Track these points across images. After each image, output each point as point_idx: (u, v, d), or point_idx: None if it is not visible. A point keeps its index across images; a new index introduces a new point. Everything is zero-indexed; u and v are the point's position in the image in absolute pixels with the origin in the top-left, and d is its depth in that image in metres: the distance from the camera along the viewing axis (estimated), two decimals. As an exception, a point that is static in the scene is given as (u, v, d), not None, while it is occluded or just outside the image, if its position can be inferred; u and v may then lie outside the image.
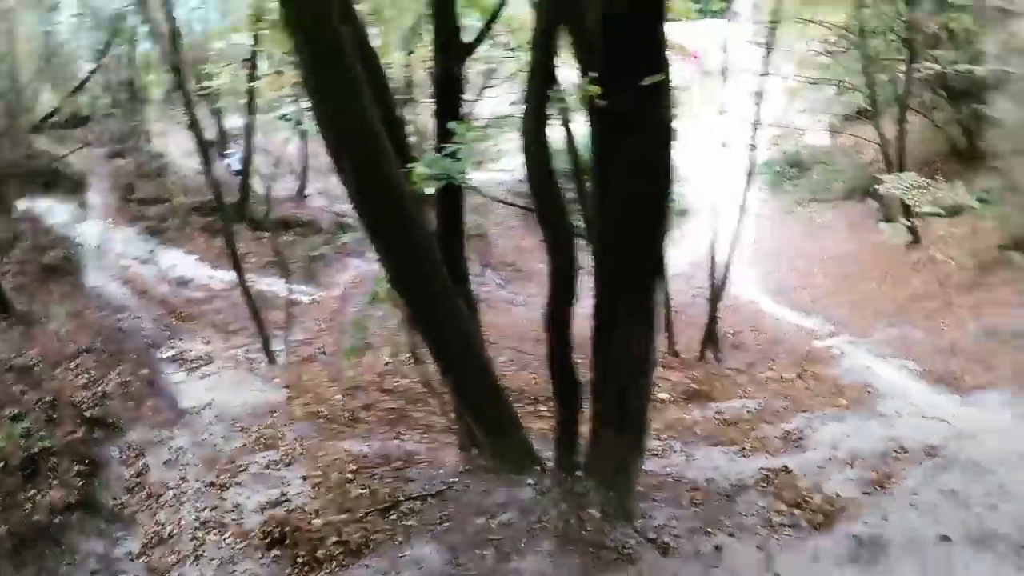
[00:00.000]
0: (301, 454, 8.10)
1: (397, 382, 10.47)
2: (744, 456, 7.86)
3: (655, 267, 5.45)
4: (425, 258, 5.50)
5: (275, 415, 9.35)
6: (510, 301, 17.42)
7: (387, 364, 10.93)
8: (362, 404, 9.87)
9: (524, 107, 5.26)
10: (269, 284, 14.42)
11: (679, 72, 20.21)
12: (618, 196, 5.11)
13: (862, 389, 10.14)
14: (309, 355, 12.22)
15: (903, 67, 17.27)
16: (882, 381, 10.39)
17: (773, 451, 8.02)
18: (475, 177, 10.15)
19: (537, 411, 9.51)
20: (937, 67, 16.08)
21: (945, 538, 5.91)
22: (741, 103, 13.22)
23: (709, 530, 5.79)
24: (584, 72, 4.72)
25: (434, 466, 7.32)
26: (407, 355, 8.97)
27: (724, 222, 12.39)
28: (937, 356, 11.12)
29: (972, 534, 5.95)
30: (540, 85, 5.10)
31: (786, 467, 7.28)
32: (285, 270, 13.34)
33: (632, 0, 4.54)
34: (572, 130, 9.45)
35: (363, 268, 15.55)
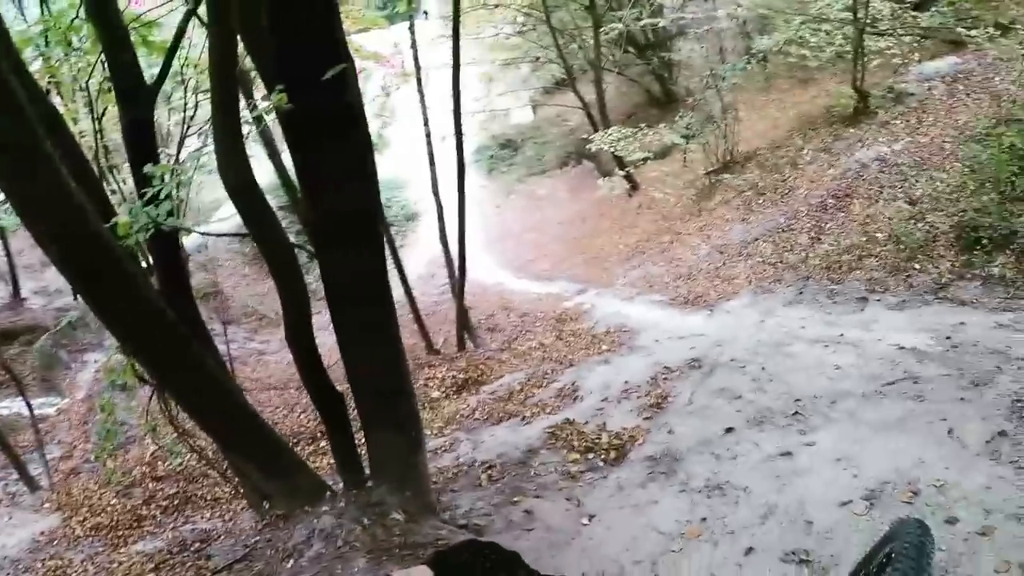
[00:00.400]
0: (95, 574, 7.37)
1: (169, 464, 9.44)
2: (527, 424, 7.83)
3: (376, 262, 5.07)
4: (157, 314, 4.70)
5: (56, 543, 8.46)
6: (262, 352, 16.41)
7: (154, 449, 9.81)
8: (141, 500, 9.02)
9: (214, 133, 4.69)
10: (6, 407, 13.02)
11: (380, 78, 20.61)
12: (326, 194, 4.71)
13: (618, 331, 10.44)
14: (72, 468, 11.34)
15: (591, 32, 18.12)
16: (634, 319, 10.79)
17: (553, 410, 8.08)
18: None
19: (318, 448, 9.21)
20: (621, 26, 17.09)
21: (729, 430, 6.11)
22: (444, 98, 13.17)
23: (515, 499, 5.76)
24: (270, 87, 4.41)
25: (232, 535, 6.92)
26: (170, 432, 7.99)
27: (450, 216, 12.28)
28: (679, 283, 11.81)
29: (751, 418, 6.21)
30: (226, 108, 4.53)
31: (568, 419, 7.38)
32: (19, 386, 11.81)
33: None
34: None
35: (104, 360, 13.61)
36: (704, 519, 4.93)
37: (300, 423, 10.44)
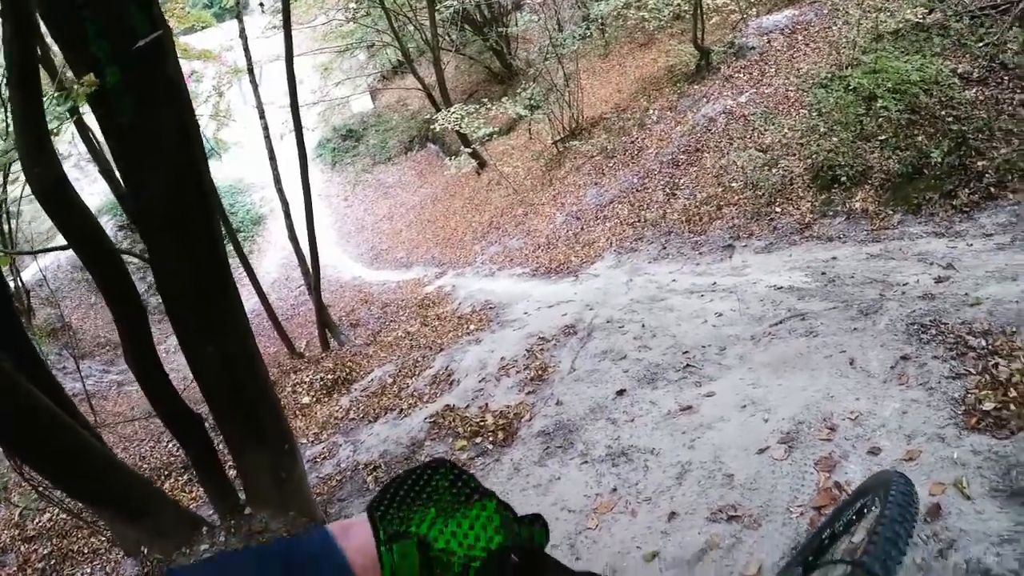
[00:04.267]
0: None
1: (39, 521, 8.31)
2: (406, 416, 7.36)
3: (212, 248, 4.43)
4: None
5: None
6: (121, 383, 14.84)
7: (20, 509, 8.52)
8: (16, 566, 8.00)
9: (15, 126, 3.84)
10: None
11: (212, 77, 19.09)
12: (148, 174, 4.10)
13: (485, 309, 9.92)
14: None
15: (426, 13, 17.42)
16: (500, 294, 10.32)
17: (430, 398, 7.60)
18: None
19: (193, 476, 8.34)
20: (456, 4, 16.49)
21: (621, 392, 5.68)
22: (281, 94, 12.20)
23: None
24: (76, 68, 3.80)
25: (114, 586, 6.25)
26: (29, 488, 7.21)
27: (299, 213, 11.36)
28: (539, 253, 11.44)
29: (641, 377, 5.80)
30: (26, 96, 3.68)
31: (449, 406, 6.96)
32: None
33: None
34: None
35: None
36: (615, 490, 4.53)
37: (170, 452, 9.44)
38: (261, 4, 16.96)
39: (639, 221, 10.12)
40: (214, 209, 4.50)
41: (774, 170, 8.71)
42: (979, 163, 6.68)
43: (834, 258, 6.73)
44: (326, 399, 9.30)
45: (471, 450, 6.01)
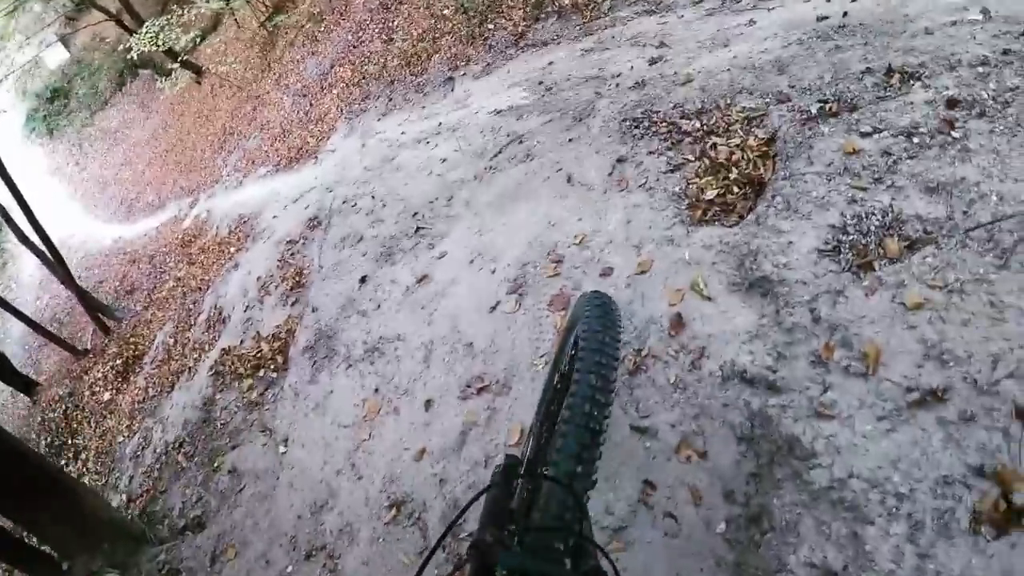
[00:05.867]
0: None
1: None
2: (194, 375, 6.73)
3: None
4: None
5: None
6: None
7: None
8: None
9: None
10: None
11: None
12: None
13: (240, 226, 8.95)
14: None
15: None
16: (251, 205, 9.32)
17: (209, 345, 6.95)
18: None
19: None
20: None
21: (363, 279, 5.13)
22: None
23: (216, 464, 5.20)
24: None
25: None
26: None
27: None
28: (278, 145, 10.35)
29: (379, 256, 5.24)
30: None
31: (224, 349, 6.38)
32: None
33: None
34: None
35: None
36: (376, 390, 4.16)
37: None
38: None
39: (363, 78, 9.21)
40: None
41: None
42: None
43: (551, 63, 6.20)
44: (124, 386, 8.36)
45: (258, 385, 5.50)
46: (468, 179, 5.18)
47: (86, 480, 7.48)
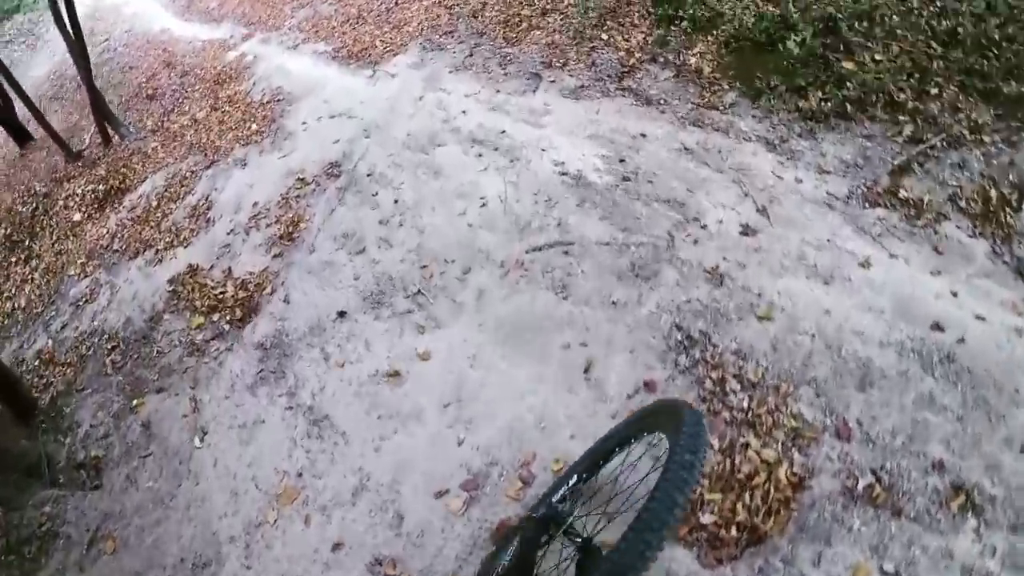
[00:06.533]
0: None
1: None
2: (158, 264, 6.33)
3: None
4: None
5: None
6: None
7: None
8: None
9: None
10: None
11: None
12: None
13: (274, 100, 8.22)
14: None
15: None
16: (294, 79, 8.52)
17: (185, 240, 6.47)
18: None
19: None
20: None
21: (342, 314, 4.66)
22: None
23: (136, 402, 4.91)
24: None
25: None
26: None
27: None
28: (346, 28, 9.34)
29: (368, 295, 4.74)
30: None
31: (192, 266, 5.98)
32: None
33: None
34: None
35: None
36: (300, 474, 3.80)
37: None
38: None
39: (456, 6, 8.24)
40: None
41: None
42: (845, 64, 5.16)
43: (643, 135, 5.39)
44: (97, 215, 7.88)
45: (207, 329, 5.18)
46: (495, 258, 4.56)
47: (25, 292, 7.26)
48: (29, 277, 7.47)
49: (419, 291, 4.50)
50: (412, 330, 4.28)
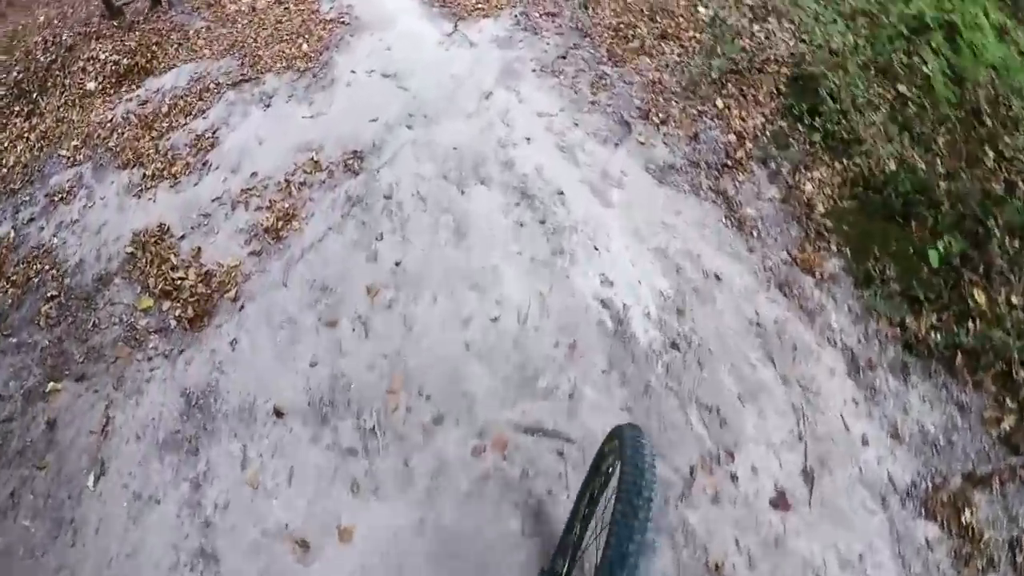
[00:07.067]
0: None
1: None
2: (138, 194, 5.46)
3: None
4: None
5: None
6: None
7: None
8: None
9: None
10: None
11: None
12: None
13: (337, 23, 7.05)
14: None
15: None
16: (366, 6, 7.18)
17: (173, 175, 5.56)
18: None
19: None
20: None
21: (280, 414, 3.69)
22: None
23: (49, 387, 4.18)
24: None
25: None
26: None
27: None
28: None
29: (317, 397, 3.76)
30: None
31: (162, 227, 5.08)
32: None
33: None
34: None
35: None
36: None
37: None
38: None
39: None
40: None
41: (756, 29, 5.54)
42: (975, 294, 3.86)
43: (719, 278, 4.21)
44: (112, 91, 6.90)
45: (154, 316, 4.43)
46: (478, 416, 3.48)
47: (16, 152, 6.46)
48: (25, 136, 6.68)
49: (373, 428, 3.50)
50: (345, 484, 3.29)
